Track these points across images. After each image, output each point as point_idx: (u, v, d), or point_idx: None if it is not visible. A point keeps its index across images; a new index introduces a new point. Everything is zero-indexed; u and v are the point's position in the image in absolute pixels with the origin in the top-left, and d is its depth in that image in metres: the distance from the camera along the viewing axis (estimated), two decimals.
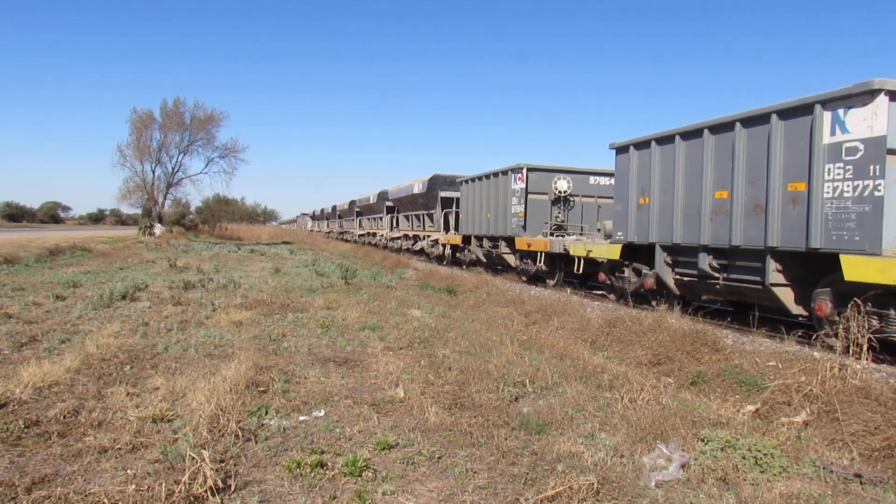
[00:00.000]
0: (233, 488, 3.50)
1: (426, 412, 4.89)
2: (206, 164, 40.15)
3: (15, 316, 8.61)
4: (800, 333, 8.52)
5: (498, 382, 5.77)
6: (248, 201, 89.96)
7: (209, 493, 3.33)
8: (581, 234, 17.40)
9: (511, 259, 19.17)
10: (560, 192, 17.99)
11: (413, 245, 30.85)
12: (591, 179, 18.49)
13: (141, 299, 10.60)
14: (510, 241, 18.71)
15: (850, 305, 7.57)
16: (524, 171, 18.03)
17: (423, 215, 29.30)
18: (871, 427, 4.95)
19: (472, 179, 21.82)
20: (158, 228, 39.03)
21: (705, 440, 4.32)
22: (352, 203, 48.06)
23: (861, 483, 3.98)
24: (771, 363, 6.91)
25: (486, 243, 20.69)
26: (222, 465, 3.77)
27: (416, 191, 28.49)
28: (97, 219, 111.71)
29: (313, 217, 79.61)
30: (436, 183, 26.39)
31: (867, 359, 6.65)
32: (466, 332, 8.48)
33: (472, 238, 21.96)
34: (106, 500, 3.23)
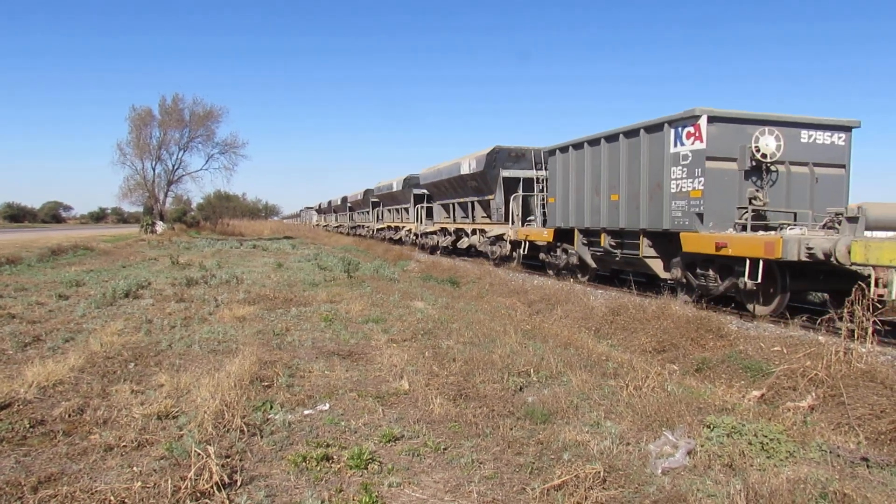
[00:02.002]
0: (239, 483, 3.50)
1: (431, 404, 4.89)
2: (207, 161, 40.18)
3: (18, 316, 8.62)
4: (804, 318, 8.50)
5: (502, 372, 5.77)
6: (249, 197, 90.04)
7: (215, 488, 3.33)
8: (794, 225, 10.54)
9: (657, 266, 12.32)
10: (764, 155, 10.72)
11: (456, 242, 24.01)
12: (804, 135, 11.20)
13: (144, 297, 10.61)
14: (666, 239, 11.90)
15: (854, 289, 7.51)
16: (702, 121, 10.76)
17: (472, 203, 22.36)
18: (878, 410, 4.94)
19: (574, 146, 14.85)
20: (160, 226, 39.03)
21: (711, 426, 4.31)
22: (367, 192, 40.94)
23: (868, 466, 3.97)
24: (776, 348, 6.89)
25: (606, 241, 13.58)
26: (228, 460, 3.77)
27: (465, 171, 21.02)
28: (99, 218, 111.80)
29: (319, 210, 73.47)
30: (496, 159, 19.17)
31: (872, 342, 6.63)
32: (470, 322, 8.47)
33: (576, 233, 14.97)
34: (112, 498, 3.23)
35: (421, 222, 28.90)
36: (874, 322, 6.51)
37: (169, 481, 3.35)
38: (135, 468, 3.66)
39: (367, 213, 42.22)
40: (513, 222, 18.69)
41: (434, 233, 26.64)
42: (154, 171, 38.75)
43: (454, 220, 24.42)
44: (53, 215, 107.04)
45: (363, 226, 43.85)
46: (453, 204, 24.28)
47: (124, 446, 4.00)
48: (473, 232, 22.19)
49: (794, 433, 4.35)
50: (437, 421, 4.60)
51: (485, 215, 21.36)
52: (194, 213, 60.55)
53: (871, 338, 6.54)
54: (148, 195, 39.34)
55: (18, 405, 4.77)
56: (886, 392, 5.14)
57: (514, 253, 18.92)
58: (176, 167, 39.61)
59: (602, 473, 3.56)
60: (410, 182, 30.09)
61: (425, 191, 28.33)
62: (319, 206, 72.24)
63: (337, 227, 57.38)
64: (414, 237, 30.04)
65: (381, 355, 6.61)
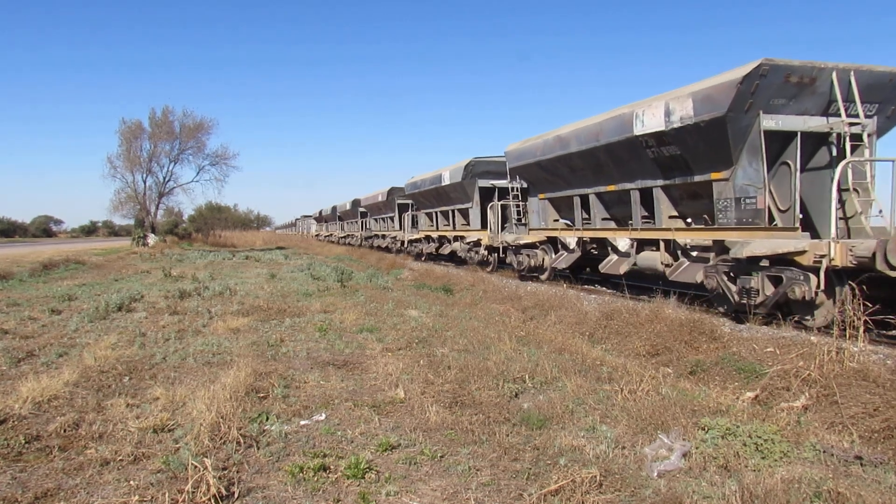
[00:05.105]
0: (236, 495, 3.50)
1: (427, 412, 4.90)
2: (198, 173, 40.03)
3: (11, 331, 8.57)
4: (796, 319, 8.56)
5: (497, 379, 5.78)
6: (240, 208, 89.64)
7: (213, 501, 3.34)
8: None
9: None
10: None
11: (597, 259, 13.91)
12: None
13: (137, 310, 10.57)
14: None
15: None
16: None
17: (642, 192, 12.05)
18: (871, 409, 4.98)
19: None
20: (152, 238, 38.89)
21: (706, 428, 4.34)
22: (392, 192, 31.64)
23: (862, 465, 4.00)
24: (769, 349, 6.93)
25: None
26: (225, 472, 3.77)
27: (648, 127, 10.89)
28: (90, 231, 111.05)
29: (319, 219, 65.65)
30: (758, 91, 8.82)
31: (864, 341, 6.68)
32: (464, 330, 8.48)
33: None
34: None
35: (497, 230, 18.84)
36: (865, 321, 6.58)
37: (166, 495, 3.35)
38: (132, 482, 3.66)
39: (390, 219, 33.36)
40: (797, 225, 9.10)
41: (533, 245, 16.80)
42: (145, 183, 38.63)
43: (579, 222, 14.42)
44: (44, 229, 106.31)
45: (382, 235, 34.96)
46: (584, 197, 14.17)
47: (121, 460, 3.99)
48: (644, 245, 12.20)
49: (788, 433, 4.38)
50: (434, 429, 4.61)
51: (675, 214, 11.60)
52: (186, 225, 60.27)
53: (862, 337, 6.60)
54: (139, 208, 39.19)
55: (13, 421, 4.75)
56: (879, 390, 5.19)
57: (830, 298, 8.41)
58: (167, 179, 39.49)
59: (598, 477, 3.58)
60: (474, 170, 20.40)
61: (501, 182, 19.09)
62: (320, 213, 64.20)
63: (344, 237, 48.05)
64: (485, 253, 20.27)
65: (376, 364, 6.61)
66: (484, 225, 20.01)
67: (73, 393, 5.51)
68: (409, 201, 28.77)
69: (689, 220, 11.55)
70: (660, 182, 11.52)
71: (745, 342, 7.43)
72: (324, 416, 4.94)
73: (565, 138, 13.86)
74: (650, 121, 10.87)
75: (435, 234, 25.20)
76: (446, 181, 22.11)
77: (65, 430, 4.56)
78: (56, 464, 3.97)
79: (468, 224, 21.73)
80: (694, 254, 10.87)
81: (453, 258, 23.74)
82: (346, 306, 10.67)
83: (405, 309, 10.68)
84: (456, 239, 22.91)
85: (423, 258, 26.37)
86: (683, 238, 11.02)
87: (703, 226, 10.87)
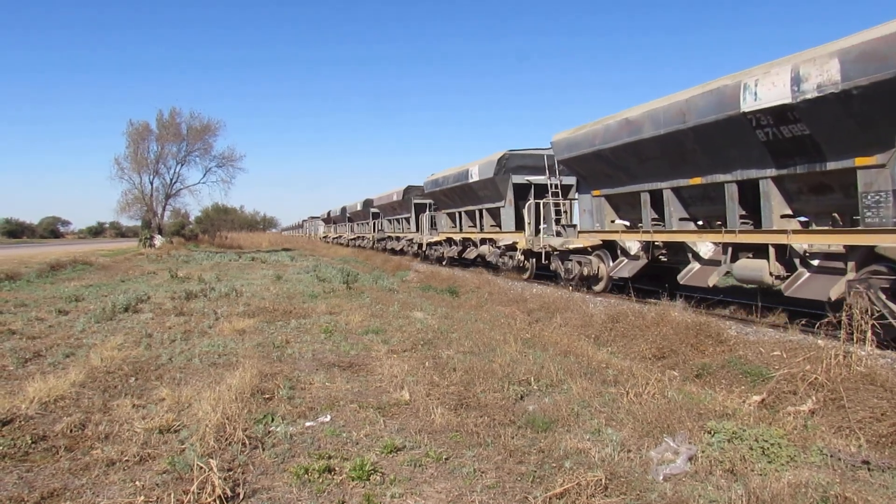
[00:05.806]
0: (241, 496, 3.51)
1: (432, 414, 4.90)
2: (204, 174, 40.15)
3: (18, 332, 8.61)
4: (803, 322, 8.51)
5: (503, 381, 5.77)
6: (247, 209, 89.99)
7: (218, 501, 3.34)
8: None
9: None
10: None
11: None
12: None
13: (143, 311, 10.60)
14: None
15: (852, 291, 7.52)
16: None
17: None
18: (878, 413, 4.95)
19: None
20: (158, 240, 39.04)
21: (712, 432, 4.32)
22: (407, 191, 29.51)
23: (869, 470, 3.98)
24: (775, 353, 6.90)
25: None
26: (230, 473, 3.78)
27: (760, 102, 8.64)
28: (97, 232, 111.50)
29: (327, 220, 63.80)
30: None
31: (871, 345, 6.65)
32: (470, 332, 8.47)
33: None
34: None
35: (531, 231, 16.40)
36: (872, 325, 6.54)
37: (172, 495, 3.36)
38: (137, 483, 3.67)
39: (406, 220, 30.75)
40: None
41: (584, 251, 14.23)
42: (152, 185, 38.79)
43: (647, 223, 12.23)
44: (52, 230, 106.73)
45: (397, 237, 32.55)
46: (654, 193, 12.08)
47: (126, 461, 4.00)
48: (740, 252, 10.17)
49: (794, 437, 4.36)
50: (439, 431, 4.61)
51: (788, 213, 9.50)
52: (192, 226, 60.48)
53: (869, 341, 6.56)
54: (146, 209, 39.35)
55: (20, 421, 4.77)
56: (886, 395, 5.16)
57: None
58: (174, 181, 39.64)
59: (604, 481, 3.57)
60: (508, 165, 18.00)
61: (538, 179, 16.99)
62: (328, 214, 62.53)
63: (354, 239, 46.14)
64: (522, 258, 17.67)
65: (381, 366, 6.61)
66: (518, 226, 17.80)
67: (80, 393, 5.53)
68: (428, 201, 26.27)
69: (803, 219, 9.39)
70: (770, 172, 9.16)
71: (752, 345, 7.40)
72: (329, 417, 4.94)
73: (636, 121, 11.46)
74: (767, 92, 8.54)
75: (458, 237, 22.80)
76: (474, 177, 19.70)
77: (71, 431, 4.57)
78: (62, 464, 3.99)
79: (499, 225, 19.55)
80: (815, 263, 8.82)
81: (476, 262, 21.44)
82: (352, 308, 10.68)
83: (411, 311, 10.69)
84: (484, 242, 20.46)
85: (443, 262, 24.23)
86: (802, 242, 8.82)
87: (829, 227, 8.81)
